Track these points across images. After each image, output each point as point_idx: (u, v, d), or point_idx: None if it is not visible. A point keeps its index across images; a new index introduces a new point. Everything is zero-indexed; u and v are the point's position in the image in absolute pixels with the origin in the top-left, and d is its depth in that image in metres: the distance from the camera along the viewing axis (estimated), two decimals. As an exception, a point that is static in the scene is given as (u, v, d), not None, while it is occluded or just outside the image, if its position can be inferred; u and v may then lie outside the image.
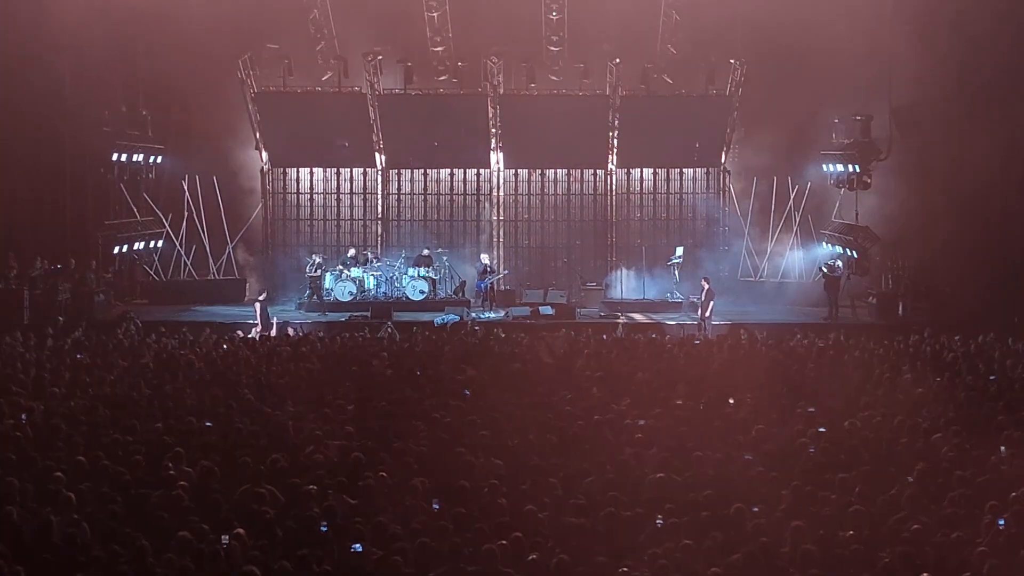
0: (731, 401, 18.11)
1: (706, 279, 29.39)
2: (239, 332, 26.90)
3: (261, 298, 29.01)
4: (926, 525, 11.82)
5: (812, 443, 15.23)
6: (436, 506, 12.64)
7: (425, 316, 29.34)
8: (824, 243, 33.23)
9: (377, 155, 34.84)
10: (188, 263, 34.11)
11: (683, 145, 34.11)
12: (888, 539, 11.56)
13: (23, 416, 16.47)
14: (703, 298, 28.69)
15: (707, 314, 28.54)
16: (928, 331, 25.21)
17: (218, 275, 34.40)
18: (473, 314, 30.55)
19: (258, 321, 28.05)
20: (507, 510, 12.31)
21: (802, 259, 33.98)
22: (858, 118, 31.91)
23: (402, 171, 35.26)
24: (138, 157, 32.77)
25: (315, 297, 31.51)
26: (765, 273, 34.38)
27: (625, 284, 33.49)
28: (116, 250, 31.41)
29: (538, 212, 35.34)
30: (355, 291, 31.71)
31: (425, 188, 35.33)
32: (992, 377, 20.17)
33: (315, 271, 31.92)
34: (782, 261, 34.18)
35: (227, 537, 11.29)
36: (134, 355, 22.05)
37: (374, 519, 11.80)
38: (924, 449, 14.87)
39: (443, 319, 28.79)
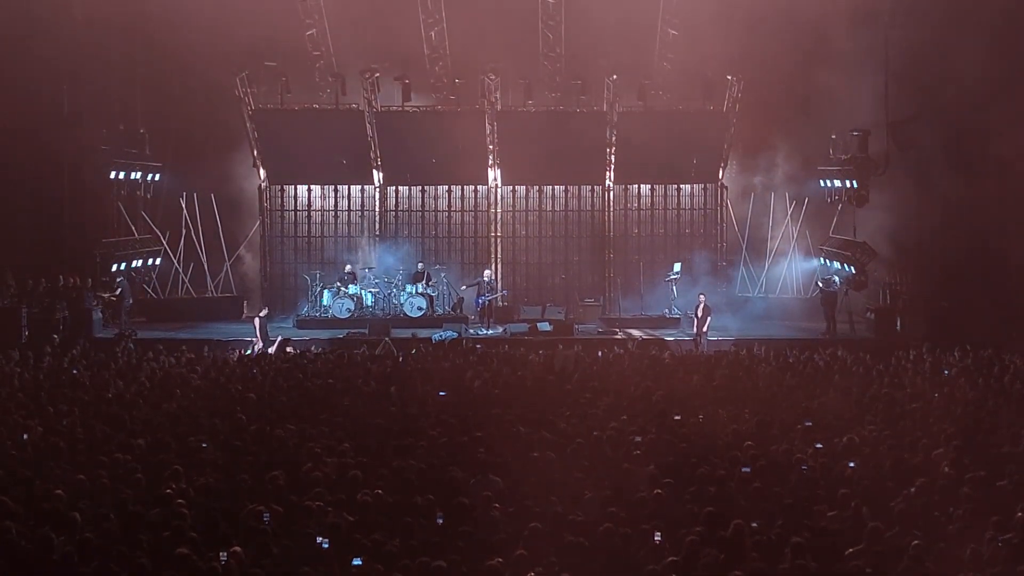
0: (724, 415, 18.09)
1: (702, 294, 29.41)
2: (239, 350, 26.90)
3: (261, 314, 29.00)
4: (927, 541, 11.79)
5: (810, 459, 15.23)
6: (440, 520, 12.65)
7: (423, 332, 29.31)
8: (822, 258, 33.25)
9: (375, 172, 34.85)
10: (186, 281, 34.13)
11: (680, 161, 34.13)
12: (889, 555, 11.53)
13: (24, 436, 16.44)
14: (700, 314, 28.69)
15: (704, 330, 28.56)
16: (926, 346, 25.21)
17: (216, 292, 34.41)
18: (471, 331, 30.55)
19: (258, 337, 28.03)
20: (508, 527, 12.29)
21: (800, 275, 34.02)
22: (855, 133, 31.98)
23: (400, 188, 35.26)
24: (136, 175, 32.82)
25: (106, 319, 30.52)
26: (763, 289, 34.42)
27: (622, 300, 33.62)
28: (114, 268, 31.40)
29: (536, 228, 35.33)
30: (353, 308, 31.72)
31: (423, 205, 35.32)
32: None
33: (118, 292, 30.92)
34: (780, 277, 34.21)
35: (225, 555, 11.27)
36: (132, 373, 22.03)
37: (373, 536, 11.79)
38: (924, 464, 14.85)
39: (441, 336, 28.76)
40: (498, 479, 14.11)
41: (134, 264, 32.40)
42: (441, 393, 20.33)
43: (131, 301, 31.62)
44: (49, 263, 30.63)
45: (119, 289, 31.19)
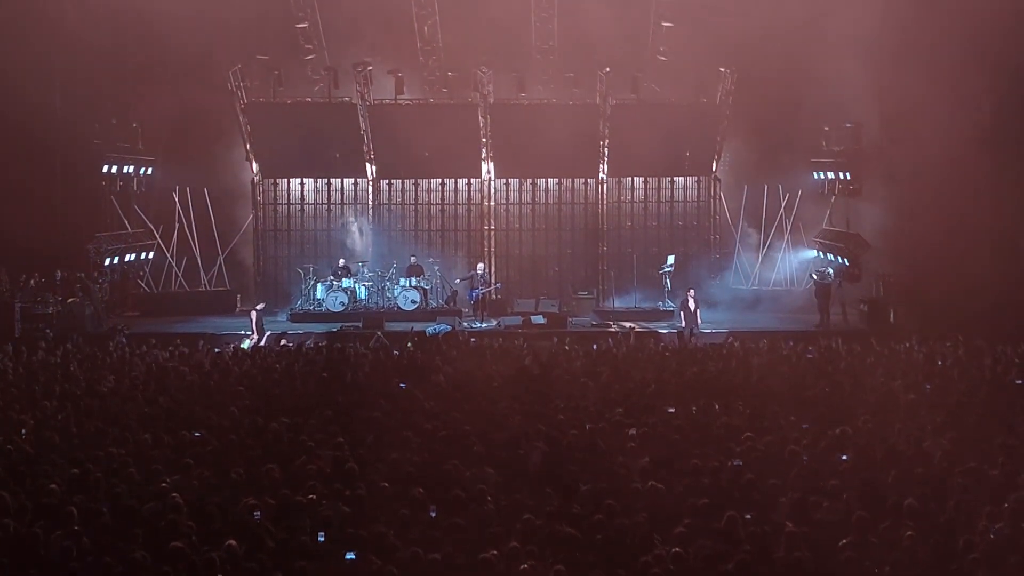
0: (717, 408, 18.12)
1: (691, 290, 29.38)
2: (233, 344, 26.88)
3: (259, 307, 28.99)
4: (920, 532, 11.82)
5: (805, 451, 15.26)
6: (433, 514, 12.66)
7: (417, 326, 29.30)
8: (815, 250, 33.29)
9: (368, 165, 34.77)
10: (179, 275, 34.12)
11: (674, 154, 34.05)
12: (882, 546, 11.56)
13: (22, 431, 16.43)
14: (692, 307, 28.70)
15: (697, 323, 28.60)
16: (919, 337, 25.25)
17: (209, 286, 34.39)
18: (465, 324, 30.55)
19: (254, 330, 28.02)
20: (501, 519, 12.31)
21: (793, 267, 34.07)
22: (848, 125, 32.00)
23: (393, 181, 35.20)
24: (129, 169, 32.79)
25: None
26: (756, 281, 34.46)
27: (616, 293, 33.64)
28: (107, 262, 31.34)
29: (529, 221, 35.29)
30: (346, 301, 31.72)
31: (416, 198, 35.27)
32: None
33: (36, 306, 28.67)
34: (773, 269, 34.24)
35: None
36: (126, 367, 22.02)
37: (367, 528, 11.80)
38: (917, 455, 14.89)
39: (435, 329, 28.75)
40: (492, 472, 14.13)
41: (127, 258, 32.33)
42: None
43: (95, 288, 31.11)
44: (42, 258, 30.53)
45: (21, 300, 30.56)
